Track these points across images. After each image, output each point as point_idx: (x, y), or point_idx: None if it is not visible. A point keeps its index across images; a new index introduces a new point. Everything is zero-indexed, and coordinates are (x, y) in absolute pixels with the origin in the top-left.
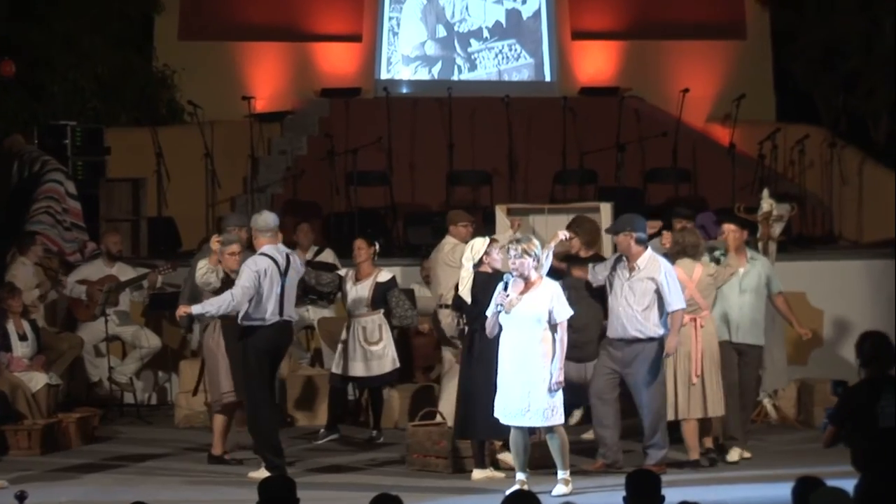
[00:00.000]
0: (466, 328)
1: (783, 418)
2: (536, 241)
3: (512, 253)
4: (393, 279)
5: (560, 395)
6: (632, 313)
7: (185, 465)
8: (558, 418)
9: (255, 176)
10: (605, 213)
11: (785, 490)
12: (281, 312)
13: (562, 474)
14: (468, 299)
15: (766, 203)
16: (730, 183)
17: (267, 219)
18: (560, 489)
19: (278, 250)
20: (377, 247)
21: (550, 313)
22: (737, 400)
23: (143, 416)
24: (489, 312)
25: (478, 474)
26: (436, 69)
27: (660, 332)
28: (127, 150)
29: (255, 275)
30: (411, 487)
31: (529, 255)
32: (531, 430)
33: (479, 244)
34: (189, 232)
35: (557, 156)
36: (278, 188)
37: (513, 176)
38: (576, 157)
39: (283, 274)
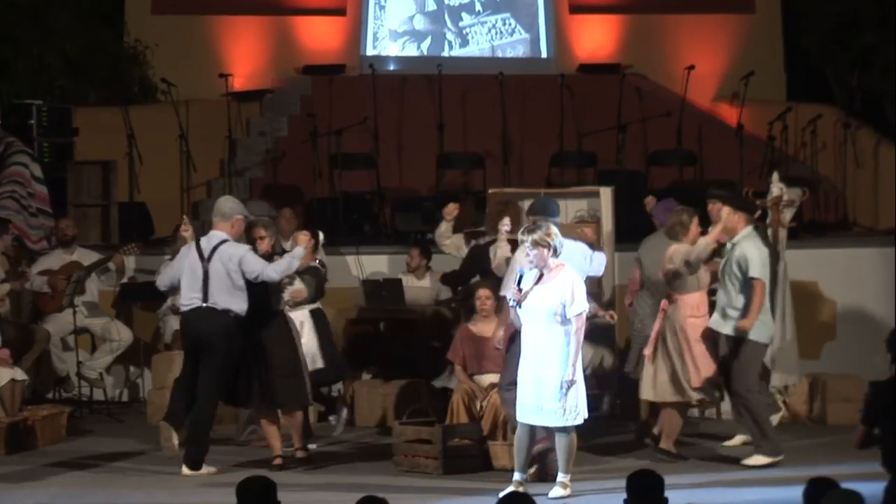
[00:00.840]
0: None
1: (794, 416)
2: (553, 230)
3: (526, 244)
4: (315, 265)
5: (579, 394)
6: None
7: (159, 465)
8: (575, 418)
9: (232, 158)
10: (606, 197)
11: (796, 492)
12: (205, 299)
13: (562, 477)
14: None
15: (776, 187)
16: (737, 166)
17: (218, 203)
18: (557, 492)
19: (210, 236)
20: (321, 237)
21: (564, 306)
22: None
23: (114, 414)
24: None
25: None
26: (425, 45)
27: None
28: (96, 131)
29: (178, 258)
30: (400, 488)
31: (545, 246)
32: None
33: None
34: (162, 218)
35: (554, 137)
36: (257, 172)
37: (507, 159)
38: (574, 138)
39: (206, 259)
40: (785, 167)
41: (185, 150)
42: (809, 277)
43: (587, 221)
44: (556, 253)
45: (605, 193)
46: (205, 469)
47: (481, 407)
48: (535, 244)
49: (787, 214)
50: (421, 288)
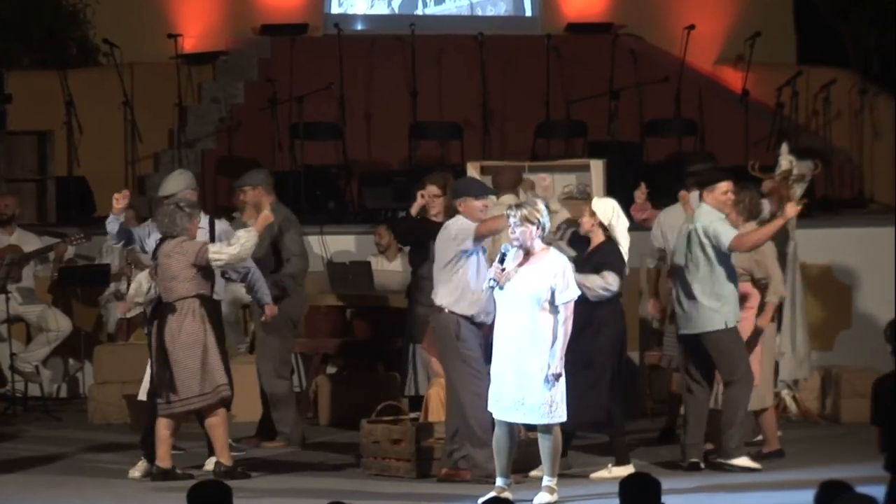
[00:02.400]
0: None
1: (805, 413)
2: (542, 206)
3: (511, 220)
4: None
5: (560, 389)
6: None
7: (101, 468)
8: (559, 415)
9: (182, 128)
10: (597, 171)
11: (807, 497)
12: None
13: (548, 481)
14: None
15: (785, 160)
16: (742, 136)
17: (166, 180)
18: (544, 497)
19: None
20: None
21: (553, 292)
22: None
23: (52, 411)
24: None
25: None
26: (396, 2)
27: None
28: (31, 98)
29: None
30: (369, 494)
31: (532, 223)
32: (526, 429)
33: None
34: (104, 194)
35: (540, 104)
36: (210, 143)
37: (487, 128)
38: (561, 105)
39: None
40: (795, 138)
41: (130, 119)
42: (821, 260)
43: (576, 198)
44: (543, 231)
45: (596, 167)
46: None
47: None
48: (525, 220)
49: (798, 190)
50: (392, 271)
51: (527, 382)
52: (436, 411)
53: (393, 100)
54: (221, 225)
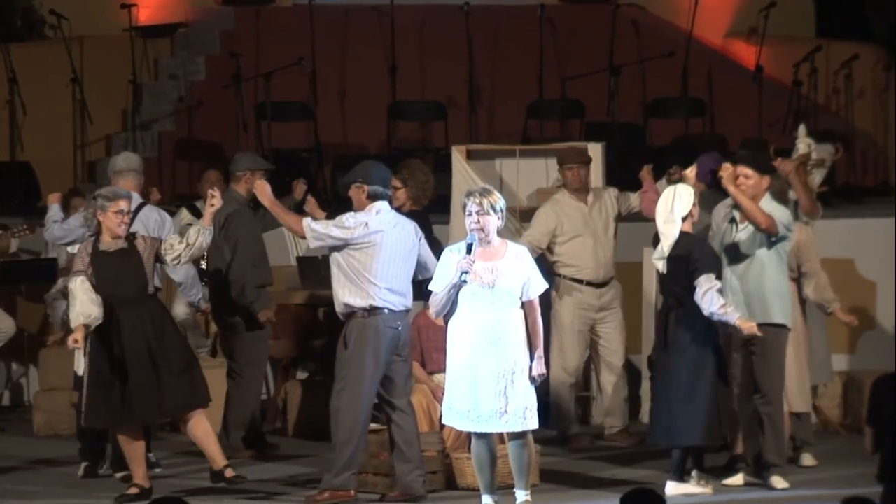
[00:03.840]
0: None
1: (825, 422)
2: (498, 194)
3: (472, 207)
4: None
5: (534, 393)
6: None
7: (47, 484)
8: (534, 422)
9: (137, 108)
10: (595, 155)
11: None
12: None
13: (523, 496)
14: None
15: (803, 143)
16: (756, 117)
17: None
18: None
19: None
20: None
21: (524, 287)
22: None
23: None
24: (441, 284)
25: (679, 488)
26: None
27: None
28: None
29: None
30: None
31: (495, 211)
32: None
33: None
34: (51, 181)
35: (532, 82)
36: (168, 124)
37: (474, 108)
38: (556, 83)
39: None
40: (814, 119)
41: (79, 98)
42: (843, 254)
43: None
44: (502, 221)
45: (595, 151)
46: None
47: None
48: (491, 209)
49: (817, 177)
50: None
51: (508, 388)
52: (418, 420)
53: (370, 77)
54: (152, 213)
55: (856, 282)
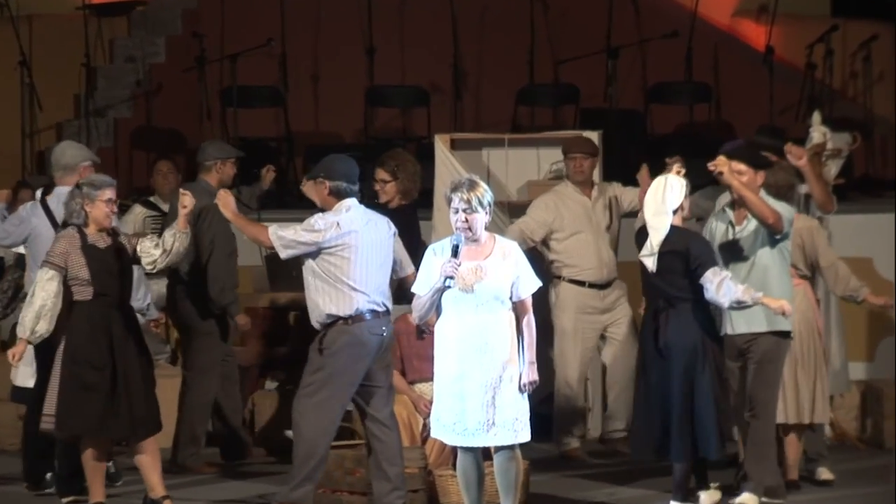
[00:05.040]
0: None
1: (840, 435)
2: (485, 186)
3: (459, 204)
4: None
5: (526, 402)
6: None
7: None
8: (525, 434)
9: (91, 93)
10: None
11: None
12: None
13: None
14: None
15: (818, 132)
16: (766, 103)
17: (55, 153)
18: None
19: (58, 195)
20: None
21: (514, 287)
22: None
23: None
24: (424, 288)
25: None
26: None
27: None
28: None
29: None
30: None
31: (483, 207)
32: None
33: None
34: None
35: (522, 65)
36: (124, 110)
37: (459, 94)
38: (549, 66)
39: (59, 226)
40: (829, 105)
41: (28, 82)
42: (860, 252)
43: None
44: (489, 216)
45: (591, 139)
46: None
47: (425, 425)
48: (479, 205)
49: (832, 168)
50: None
51: (497, 398)
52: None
53: (345, 59)
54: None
55: (874, 282)
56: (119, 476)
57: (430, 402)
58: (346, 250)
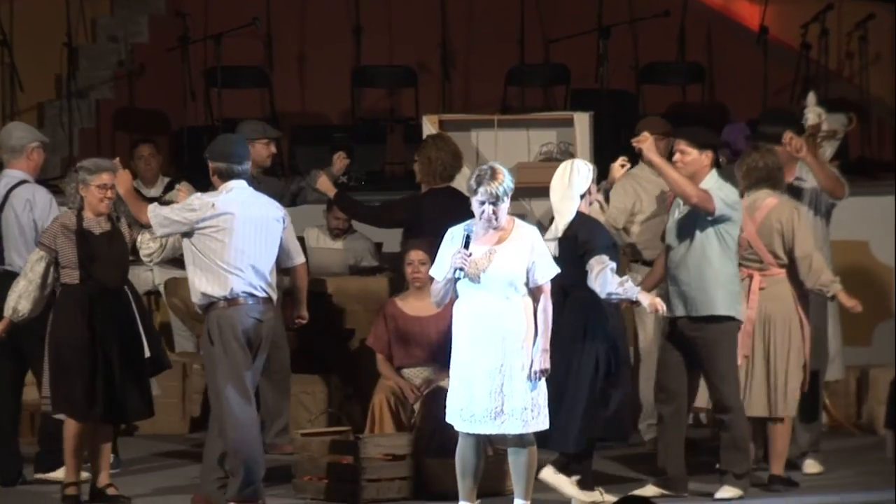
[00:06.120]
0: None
1: (835, 422)
2: (504, 171)
3: (483, 197)
4: None
5: (542, 390)
6: None
7: None
8: (540, 422)
9: (72, 73)
10: (582, 126)
11: None
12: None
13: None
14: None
15: (813, 113)
16: (760, 84)
17: (1, 136)
18: None
19: (5, 176)
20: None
21: (529, 272)
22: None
23: None
24: (439, 273)
25: (552, 477)
26: None
27: None
28: None
29: None
30: None
31: (507, 196)
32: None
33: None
34: None
35: (512, 45)
36: (107, 91)
37: (447, 74)
38: (539, 46)
39: None
40: (824, 86)
41: (9, 62)
42: (857, 235)
43: (556, 160)
44: (508, 201)
45: (581, 121)
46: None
47: (414, 412)
48: (506, 195)
49: (828, 150)
50: (332, 249)
51: (506, 384)
52: (383, 421)
53: (331, 39)
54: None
55: (870, 266)
56: (119, 464)
57: (418, 388)
58: (220, 232)
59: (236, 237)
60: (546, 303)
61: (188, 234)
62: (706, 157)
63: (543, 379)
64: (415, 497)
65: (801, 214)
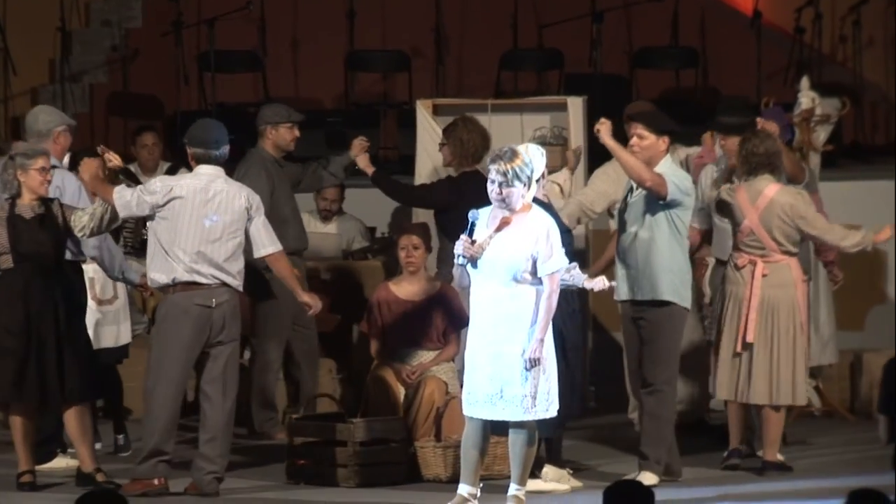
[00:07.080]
0: None
1: (829, 407)
2: (527, 157)
3: (495, 175)
4: None
5: (550, 378)
6: None
7: None
8: (542, 411)
9: (66, 58)
10: (576, 111)
11: None
12: None
13: (515, 489)
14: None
15: (806, 98)
16: (754, 68)
17: (28, 120)
18: None
19: None
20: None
21: (534, 261)
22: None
23: None
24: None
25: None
26: None
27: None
28: None
29: None
30: None
31: (520, 180)
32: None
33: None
34: None
35: (506, 29)
36: (100, 76)
37: (441, 58)
38: (532, 30)
39: None
40: (818, 70)
41: (2, 47)
42: (850, 219)
43: (550, 144)
44: (529, 188)
45: (575, 105)
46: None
47: (407, 396)
48: (517, 178)
49: (822, 134)
50: (325, 233)
51: (505, 371)
52: (376, 406)
53: (325, 23)
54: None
55: (863, 251)
56: (127, 447)
57: (413, 372)
58: (169, 217)
59: (182, 222)
60: (549, 295)
61: (150, 218)
62: (662, 142)
63: (553, 367)
64: (408, 481)
65: (805, 198)
